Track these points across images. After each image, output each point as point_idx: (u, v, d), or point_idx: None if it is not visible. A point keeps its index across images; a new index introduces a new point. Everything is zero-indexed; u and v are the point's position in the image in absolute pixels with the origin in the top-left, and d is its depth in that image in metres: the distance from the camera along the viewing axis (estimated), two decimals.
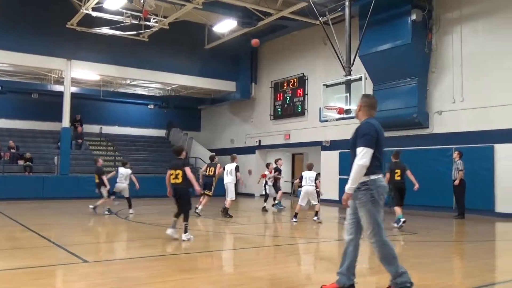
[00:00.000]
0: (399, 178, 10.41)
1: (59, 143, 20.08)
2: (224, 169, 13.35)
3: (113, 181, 12.87)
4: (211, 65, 22.22)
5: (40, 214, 12.78)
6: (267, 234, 10.26)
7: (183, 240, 7.78)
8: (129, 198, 12.92)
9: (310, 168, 12.00)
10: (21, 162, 19.12)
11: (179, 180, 8.00)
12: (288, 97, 21.70)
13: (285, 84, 21.92)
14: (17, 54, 17.92)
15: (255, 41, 13.61)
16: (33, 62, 18.65)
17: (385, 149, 4.74)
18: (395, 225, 10.15)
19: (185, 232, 7.97)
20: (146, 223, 10.98)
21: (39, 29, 18.20)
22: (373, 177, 4.31)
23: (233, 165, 13.36)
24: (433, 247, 8.13)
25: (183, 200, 8.12)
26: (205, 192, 12.70)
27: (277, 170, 16.06)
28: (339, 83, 15.26)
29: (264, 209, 14.97)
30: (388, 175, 10.29)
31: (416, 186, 10.48)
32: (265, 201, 15.55)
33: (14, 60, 18.39)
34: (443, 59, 15.24)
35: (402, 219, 10.08)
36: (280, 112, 22.12)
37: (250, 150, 23.51)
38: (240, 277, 5.48)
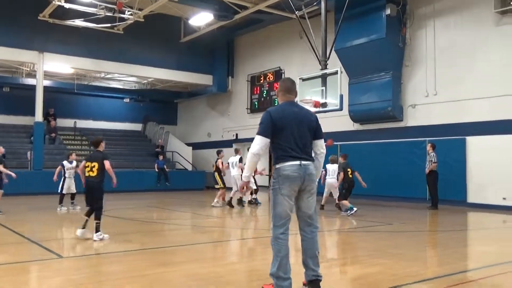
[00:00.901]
0: (351, 176, 12.05)
1: (32, 138, 19.68)
2: (228, 164, 14.11)
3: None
4: (187, 59, 22.08)
5: (14, 210, 12.52)
6: (245, 227, 10.30)
7: (95, 240, 7.24)
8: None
9: (333, 161, 12.60)
10: None
11: (94, 173, 7.51)
12: (265, 91, 21.74)
13: (261, 78, 21.94)
14: None
15: (330, 141, 14.03)
16: (4, 55, 18.19)
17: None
18: (345, 213, 11.40)
19: (97, 231, 7.36)
20: (122, 218, 10.90)
21: (10, 21, 17.78)
22: (277, 166, 4.19)
23: (237, 157, 14.11)
24: (407, 237, 8.31)
25: (96, 196, 7.58)
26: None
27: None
28: (315, 77, 15.31)
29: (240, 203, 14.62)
30: (342, 174, 11.90)
31: (364, 184, 12.10)
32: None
33: None
34: (417, 53, 15.50)
35: (355, 209, 11.28)
36: (257, 106, 22.14)
37: (227, 143, 23.47)
38: (219, 269, 5.50)
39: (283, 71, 20.69)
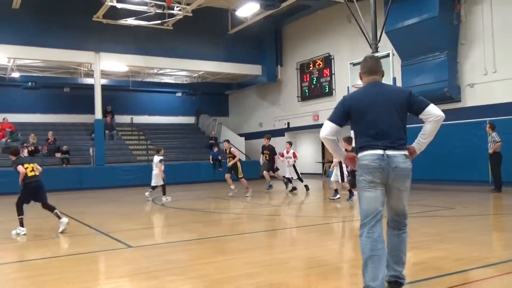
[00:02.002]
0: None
1: (93, 135, 20.62)
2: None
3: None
4: (236, 50, 22.26)
5: (80, 204, 13.23)
6: (301, 215, 10.37)
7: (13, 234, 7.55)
8: (163, 185, 13.22)
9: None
10: (58, 155, 19.75)
11: (37, 172, 7.83)
12: (314, 78, 21.59)
13: (311, 65, 21.79)
14: (47, 49, 18.40)
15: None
16: (63, 56, 19.12)
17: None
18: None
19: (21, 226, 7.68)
20: (183, 209, 11.25)
21: (67, 24, 18.58)
22: (358, 155, 3.76)
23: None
24: (471, 221, 8.08)
25: (43, 193, 7.90)
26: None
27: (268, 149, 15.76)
28: None
29: (293, 190, 14.80)
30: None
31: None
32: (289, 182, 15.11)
33: (45, 56, 18.90)
34: (473, 30, 14.85)
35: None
36: (307, 93, 22.05)
37: (279, 132, 23.57)
38: (280, 256, 5.61)
39: (332, 57, 20.45)
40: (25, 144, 19.66)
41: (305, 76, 22.19)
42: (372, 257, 3.54)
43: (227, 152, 14.17)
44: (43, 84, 22.70)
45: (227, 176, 14.32)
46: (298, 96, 22.55)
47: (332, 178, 12.22)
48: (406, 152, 3.70)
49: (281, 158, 15.15)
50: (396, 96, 3.80)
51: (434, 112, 3.75)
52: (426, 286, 4.14)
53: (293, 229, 7.93)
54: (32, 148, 19.28)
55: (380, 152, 3.63)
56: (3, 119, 20.80)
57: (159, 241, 6.85)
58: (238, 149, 24.09)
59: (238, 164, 13.98)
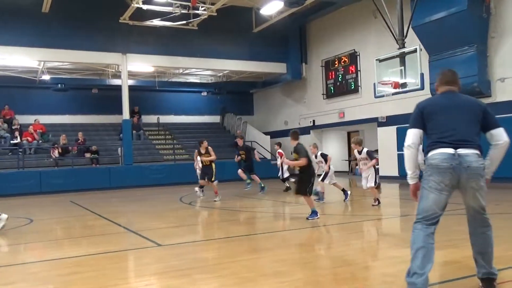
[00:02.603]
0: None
1: (121, 135, 20.97)
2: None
3: None
4: (260, 48, 22.28)
5: (110, 203, 13.49)
6: (327, 213, 10.32)
7: None
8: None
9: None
10: (88, 155, 20.17)
11: None
12: (340, 75, 21.42)
13: (336, 62, 21.63)
14: (76, 52, 18.78)
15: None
16: (91, 58, 19.50)
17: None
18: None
19: None
20: (210, 207, 11.34)
21: (94, 27, 18.91)
22: (427, 155, 3.70)
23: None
24: (504, 220, 7.88)
25: None
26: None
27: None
28: (393, 57, 14.89)
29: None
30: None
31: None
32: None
33: (74, 58, 19.31)
34: (504, 22, 14.47)
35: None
36: (333, 91, 21.90)
37: (304, 130, 23.48)
38: (308, 255, 5.61)
39: (358, 54, 20.25)
40: (55, 145, 20.16)
41: (330, 73, 22.04)
42: (423, 248, 3.50)
43: (204, 152, 13.09)
44: (72, 86, 23.19)
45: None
46: (323, 94, 22.41)
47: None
48: (478, 151, 3.60)
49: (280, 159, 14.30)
50: (473, 103, 3.84)
51: (503, 135, 3.81)
52: (461, 286, 4.08)
53: (319, 227, 7.90)
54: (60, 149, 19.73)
55: (451, 151, 3.56)
56: (35, 120, 21.36)
57: (187, 239, 6.92)
58: (264, 148, 24.17)
59: (213, 166, 13.00)
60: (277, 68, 23.12)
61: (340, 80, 21.42)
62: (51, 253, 6.47)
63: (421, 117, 3.76)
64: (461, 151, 3.54)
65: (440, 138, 3.63)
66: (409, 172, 3.78)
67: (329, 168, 11.68)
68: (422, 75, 13.28)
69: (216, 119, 27.83)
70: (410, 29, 14.70)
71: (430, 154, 3.64)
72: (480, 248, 3.76)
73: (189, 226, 8.56)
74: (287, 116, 25.27)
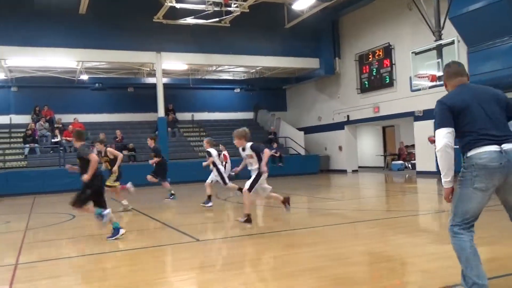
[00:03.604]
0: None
1: (156, 132, 21.33)
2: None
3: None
4: (293, 44, 22.21)
5: (148, 199, 13.76)
6: (363, 209, 10.23)
7: None
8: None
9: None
10: (125, 152, 20.60)
11: None
12: (374, 69, 21.13)
13: (370, 56, 21.35)
14: (112, 52, 19.25)
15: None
16: (126, 58, 19.93)
17: None
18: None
19: None
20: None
21: (129, 26, 19.27)
22: (469, 154, 3.41)
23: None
24: None
25: None
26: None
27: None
28: (429, 49, 14.61)
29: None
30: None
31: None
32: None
33: (110, 58, 19.79)
34: None
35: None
36: (367, 85, 21.63)
37: (339, 126, 23.31)
38: (346, 250, 5.59)
39: (392, 47, 19.92)
40: (93, 143, 20.68)
41: (364, 68, 21.77)
42: (474, 255, 3.35)
43: (103, 155, 10.76)
44: (109, 85, 23.75)
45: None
46: (357, 88, 22.16)
47: (209, 180, 10.89)
48: None
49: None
50: (497, 93, 3.60)
51: None
52: (504, 285, 3.99)
53: (356, 223, 7.85)
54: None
55: (497, 148, 3.33)
56: (74, 119, 21.99)
57: (225, 234, 7.02)
58: (298, 144, 24.09)
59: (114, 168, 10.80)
60: (310, 63, 23.00)
61: (374, 74, 21.12)
62: (93, 248, 6.67)
63: (451, 114, 3.46)
64: (505, 146, 3.32)
65: (480, 135, 3.37)
66: (447, 176, 3.46)
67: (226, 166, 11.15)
68: None
69: (249, 115, 27.93)
70: (447, 20, 14.37)
71: (473, 152, 3.37)
72: None
73: (226, 222, 8.67)
74: (320, 112, 25.11)
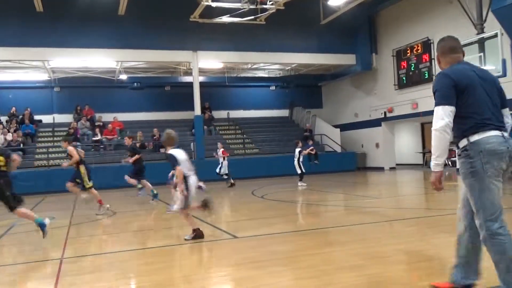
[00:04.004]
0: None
1: (193, 130, 21.62)
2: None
3: None
4: (329, 40, 22.03)
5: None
6: (401, 207, 10.06)
7: None
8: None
9: None
10: (163, 150, 20.97)
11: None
12: (412, 64, 20.68)
13: (408, 51, 20.92)
14: (149, 51, 19.63)
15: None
16: (163, 57, 20.30)
17: None
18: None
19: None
20: (281, 200, 11.43)
21: (166, 26, 19.60)
22: (473, 138, 3.13)
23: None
24: None
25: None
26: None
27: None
28: (471, 43, 14.17)
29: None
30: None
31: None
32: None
33: (148, 57, 20.20)
34: None
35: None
36: (405, 81, 21.20)
37: (375, 123, 22.96)
38: (384, 249, 5.51)
39: (432, 41, 19.43)
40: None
41: (402, 63, 21.34)
42: None
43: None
44: (147, 84, 24.22)
45: (70, 185, 10.62)
46: (395, 84, 21.75)
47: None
48: None
49: None
50: (493, 76, 3.40)
51: (509, 116, 3.39)
52: None
53: (394, 221, 7.73)
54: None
55: (500, 133, 3.16)
56: (114, 118, 22.55)
57: (262, 232, 7.03)
58: (334, 141, 23.86)
59: (81, 169, 10.14)
60: (346, 59, 22.75)
61: (412, 69, 20.68)
62: (133, 243, 6.85)
63: (455, 91, 3.15)
64: (506, 134, 3.17)
65: (485, 119, 3.14)
66: (439, 158, 3.17)
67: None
68: (504, 61, 12.54)
69: (284, 113, 27.88)
70: (490, 13, 13.89)
71: (480, 137, 3.12)
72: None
73: (263, 219, 8.68)
74: (357, 108, 24.80)
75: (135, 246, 6.62)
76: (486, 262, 3.43)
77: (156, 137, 21.51)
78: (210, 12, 18.31)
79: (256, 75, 26.15)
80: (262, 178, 19.18)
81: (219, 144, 17.15)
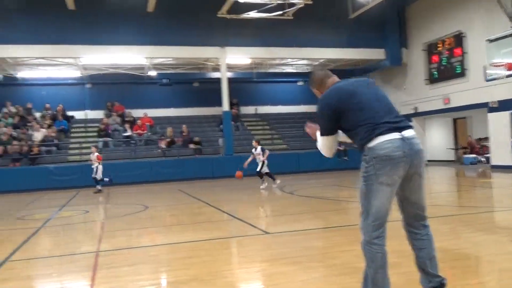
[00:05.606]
0: None
1: (221, 126, 21.74)
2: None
3: None
4: (357, 35, 21.76)
5: (214, 192, 14.08)
6: (434, 204, 9.88)
7: None
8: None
9: None
10: (191, 146, 21.22)
11: None
12: (444, 58, 20.23)
13: (439, 45, 20.47)
14: (178, 48, 19.80)
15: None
16: (192, 53, 20.43)
17: None
18: None
19: None
20: (312, 197, 11.39)
21: (194, 22, 19.74)
22: (369, 144, 3.06)
23: None
24: None
25: None
26: None
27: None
28: (506, 36, 13.79)
29: None
30: None
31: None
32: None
33: (177, 54, 20.38)
34: None
35: None
36: (436, 75, 20.77)
37: (405, 118, 22.58)
38: None
39: (464, 35, 18.96)
40: (162, 137, 21.47)
41: (433, 57, 20.91)
42: (383, 266, 3.16)
43: None
44: (176, 80, 24.46)
45: None
46: (426, 79, 21.34)
47: None
48: None
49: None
50: (369, 81, 3.43)
51: None
52: None
53: (428, 219, 7.60)
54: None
55: (398, 135, 3.02)
56: (144, 114, 22.88)
57: (294, 228, 7.04)
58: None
59: None
60: (375, 54, 22.43)
61: (444, 63, 20.24)
62: (166, 238, 6.95)
63: (339, 110, 3.32)
64: (406, 134, 3.12)
65: (380, 122, 3.12)
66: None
67: None
68: None
69: (312, 108, 27.65)
70: None
71: (373, 143, 3.13)
72: (429, 252, 3.33)
73: (293, 215, 8.69)
74: None
75: (169, 240, 6.71)
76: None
77: (184, 133, 21.74)
78: (238, 7, 18.30)
79: (284, 71, 26.05)
80: (290, 174, 19.14)
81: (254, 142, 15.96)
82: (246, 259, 5.48)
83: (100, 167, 15.64)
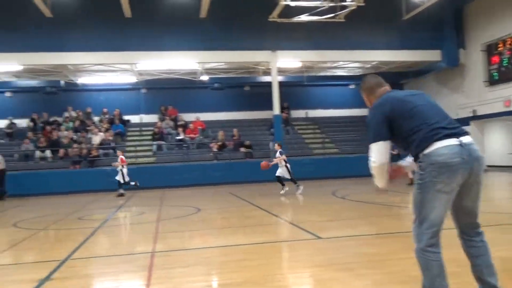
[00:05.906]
0: None
1: (271, 129, 21.79)
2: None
3: None
4: (411, 36, 21.18)
5: (265, 195, 14.11)
6: (495, 212, 9.44)
7: None
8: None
9: None
10: (242, 149, 21.41)
11: None
12: (505, 59, 19.35)
13: (500, 45, 19.59)
14: (229, 52, 20.08)
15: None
16: (243, 57, 20.65)
17: None
18: None
19: None
20: (363, 202, 11.19)
21: (245, 27, 19.93)
22: (425, 151, 2.96)
23: None
24: None
25: None
26: None
27: None
28: None
29: None
30: None
31: None
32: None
33: (228, 58, 20.65)
34: None
35: None
36: (497, 77, 19.87)
37: (463, 122, 21.72)
38: None
39: None
40: (213, 140, 21.81)
41: (493, 58, 20.03)
42: (440, 275, 3.08)
43: None
44: (227, 84, 24.77)
45: None
46: (485, 81, 20.46)
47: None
48: None
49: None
50: (421, 92, 3.47)
51: None
52: None
53: (489, 227, 7.26)
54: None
55: (456, 141, 2.95)
56: (196, 118, 23.33)
57: (346, 233, 6.93)
58: None
59: None
60: (430, 55, 21.77)
61: (505, 64, 19.35)
62: (219, 240, 7.03)
63: (390, 120, 3.28)
64: (465, 140, 3.04)
65: (433, 128, 3.09)
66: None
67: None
68: None
69: (364, 112, 27.18)
70: None
71: (430, 149, 3.05)
72: (486, 260, 3.22)
73: (346, 220, 8.57)
74: (443, 106, 23.33)
75: (221, 242, 6.79)
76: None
77: (235, 136, 21.97)
78: (289, 11, 18.30)
79: (335, 74, 25.76)
80: (342, 178, 18.90)
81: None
82: (299, 263, 5.45)
83: (125, 170, 15.77)
